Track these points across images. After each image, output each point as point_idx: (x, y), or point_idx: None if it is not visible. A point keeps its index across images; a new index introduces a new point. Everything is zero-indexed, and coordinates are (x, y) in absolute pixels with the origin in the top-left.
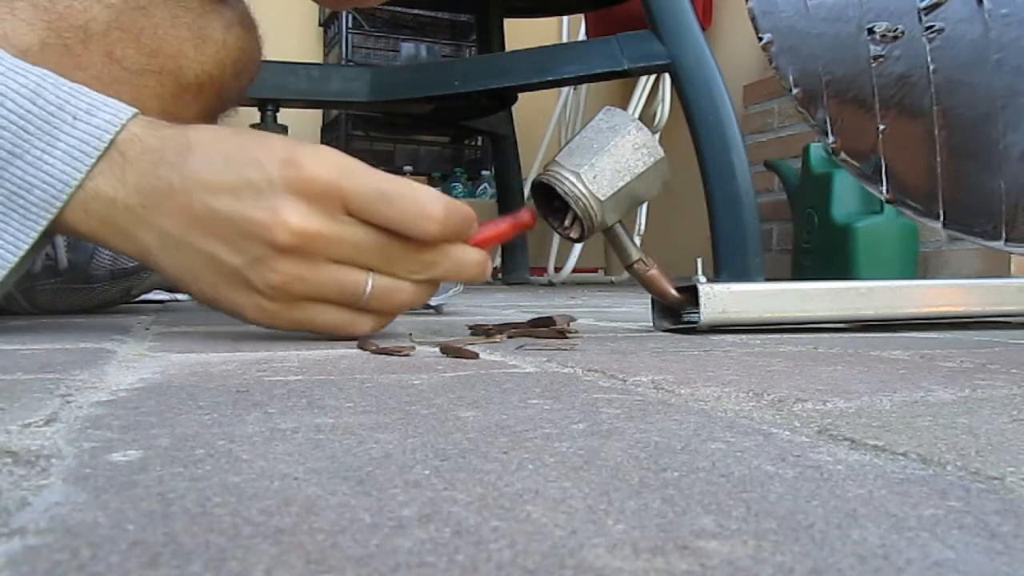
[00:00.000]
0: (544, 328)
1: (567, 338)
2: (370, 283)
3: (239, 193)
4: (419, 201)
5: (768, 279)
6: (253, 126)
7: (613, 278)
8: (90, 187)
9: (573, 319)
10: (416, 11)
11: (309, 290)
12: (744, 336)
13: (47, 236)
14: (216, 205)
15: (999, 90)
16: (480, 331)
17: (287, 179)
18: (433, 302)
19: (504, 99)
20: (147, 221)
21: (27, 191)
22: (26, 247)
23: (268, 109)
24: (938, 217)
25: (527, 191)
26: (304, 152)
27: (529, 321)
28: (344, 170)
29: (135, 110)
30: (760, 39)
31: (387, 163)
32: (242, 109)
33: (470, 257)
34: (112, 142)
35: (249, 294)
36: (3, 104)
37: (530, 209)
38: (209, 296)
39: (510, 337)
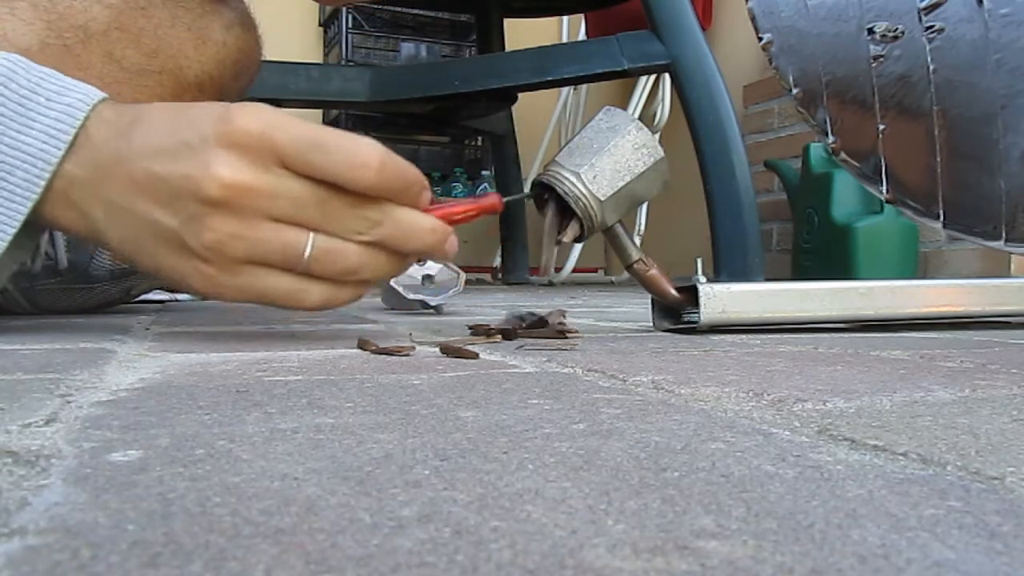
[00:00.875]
0: (545, 328)
1: (566, 337)
2: (310, 242)
3: (176, 154)
4: (353, 149)
5: (768, 279)
6: None
7: (613, 278)
8: (62, 168)
9: (563, 312)
10: (416, 11)
11: (247, 250)
12: (744, 336)
13: (32, 227)
14: (153, 167)
15: (999, 90)
16: (480, 331)
17: (219, 133)
18: (433, 302)
19: (504, 99)
20: (97, 194)
21: (9, 173)
22: (13, 231)
23: None
24: (938, 217)
25: (527, 191)
26: (237, 108)
27: (527, 323)
28: (277, 122)
29: (104, 94)
30: (760, 39)
31: None
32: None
33: (421, 222)
34: (83, 123)
35: (190, 259)
36: None
37: (498, 194)
38: (151, 266)
39: (507, 339)
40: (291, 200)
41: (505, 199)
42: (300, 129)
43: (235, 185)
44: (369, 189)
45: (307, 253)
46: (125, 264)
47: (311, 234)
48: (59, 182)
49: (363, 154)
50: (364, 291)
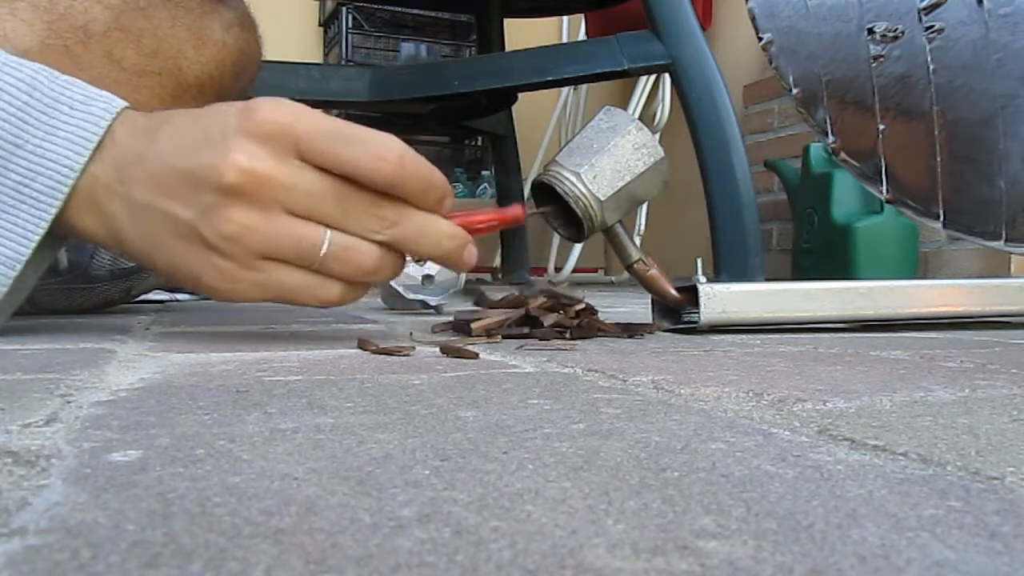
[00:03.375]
0: (545, 328)
1: (572, 308)
2: (327, 238)
3: (196, 146)
4: (374, 142)
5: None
6: None
7: (613, 278)
8: (87, 171)
9: (575, 299)
10: (416, 11)
11: (263, 243)
12: (744, 336)
13: (54, 235)
14: (173, 161)
15: (999, 91)
16: (461, 323)
17: (240, 123)
18: (433, 302)
19: (504, 99)
20: (119, 193)
21: (32, 180)
22: (37, 238)
23: None
24: (938, 217)
25: (527, 191)
26: (260, 100)
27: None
28: (298, 113)
29: (126, 103)
30: (760, 39)
31: None
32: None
33: (439, 226)
34: (109, 128)
35: (206, 254)
36: (1, 97)
37: (522, 205)
38: (168, 265)
39: (507, 337)
40: (309, 193)
41: (529, 213)
42: (321, 120)
43: (253, 172)
44: (388, 183)
45: (324, 250)
46: (126, 264)
47: (328, 230)
48: (84, 187)
49: (383, 147)
50: (368, 289)
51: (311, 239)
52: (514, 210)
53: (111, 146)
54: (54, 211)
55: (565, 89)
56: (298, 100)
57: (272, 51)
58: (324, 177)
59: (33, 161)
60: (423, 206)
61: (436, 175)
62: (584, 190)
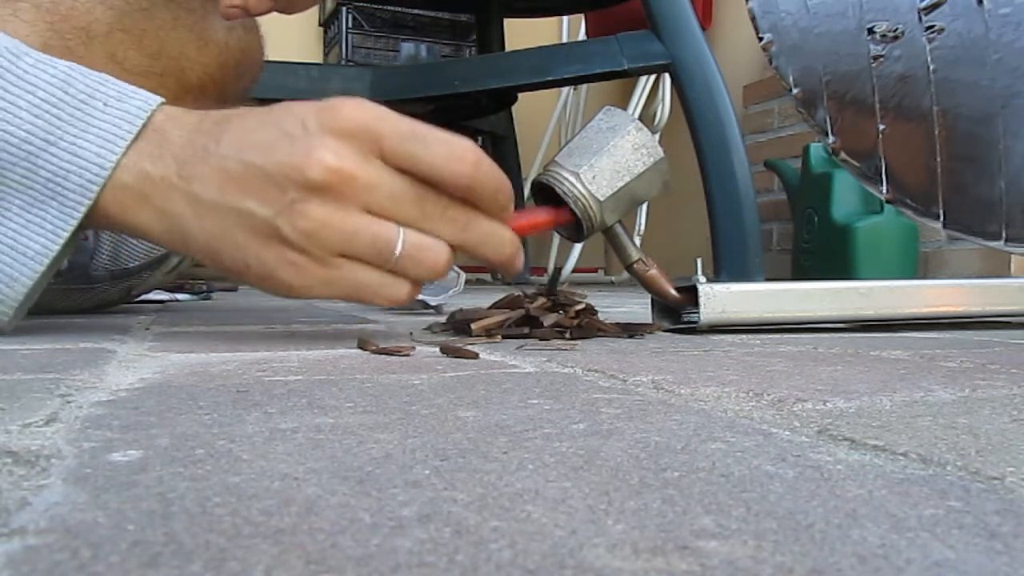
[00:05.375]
0: (545, 328)
1: (573, 308)
2: (402, 237)
3: (275, 144)
4: (452, 143)
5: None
6: None
7: (613, 278)
8: (127, 165)
9: (578, 301)
10: (416, 11)
11: (342, 240)
12: (744, 336)
13: (81, 228)
14: (251, 159)
15: (999, 90)
16: (461, 323)
17: (322, 122)
18: (433, 302)
19: (504, 99)
20: (182, 189)
21: (63, 178)
22: (66, 235)
23: None
24: (938, 217)
25: (527, 191)
26: (340, 100)
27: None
28: (380, 113)
29: (162, 99)
30: (760, 39)
31: None
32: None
33: (504, 234)
34: (147, 123)
35: (280, 249)
36: (35, 93)
37: (552, 208)
38: (239, 262)
39: (507, 337)
40: (389, 194)
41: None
42: (401, 121)
43: (339, 171)
44: (463, 185)
45: (399, 249)
46: (126, 264)
47: (403, 230)
48: (133, 183)
49: (461, 149)
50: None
51: (387, 238)
52: (563, 213)
53: (163, 142)
54: (84, 208)
55: (565, 89)
56: (298, 100)
57: (272, 51)
58: (404, 178)
59: (64, 159)
60: (490, 211)
61: (506, 181)
62: (583, 190)
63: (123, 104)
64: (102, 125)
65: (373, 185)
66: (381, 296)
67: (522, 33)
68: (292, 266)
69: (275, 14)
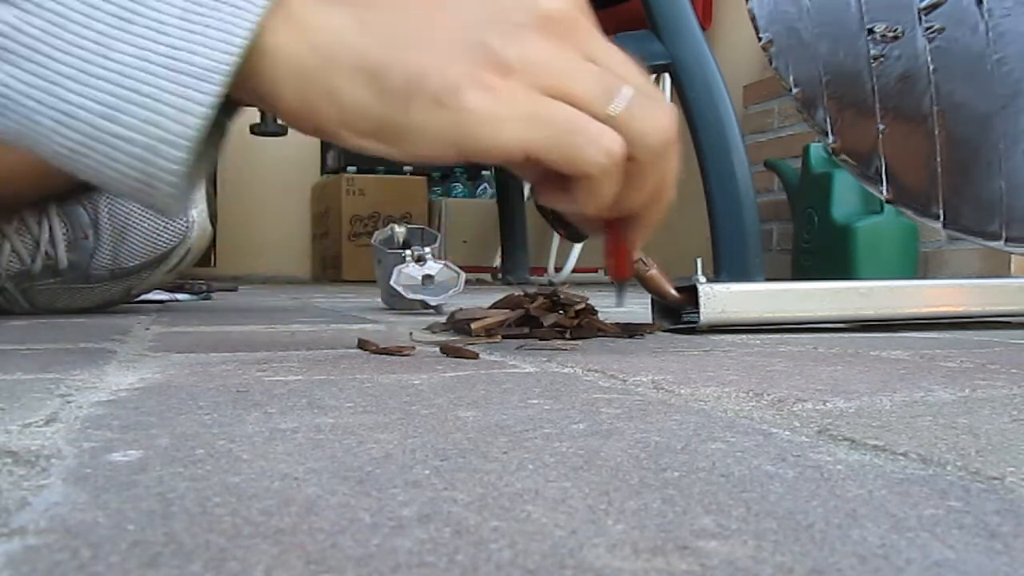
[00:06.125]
0: (545, 328)
1: (572, 309)
2: (626, 93)
3: None
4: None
5: (768, 279)
6: (253, 127)
7: None
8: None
9: (577, 300)
10: None
11: (560, 75)
12: (744, 336)
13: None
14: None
15: (999, 90)
16: (461, 323)
17: None
18: (433, 302)
19: None
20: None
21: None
22: (252, 25)
23: None
24: (938, 217)
25: (527, 191)
26: None
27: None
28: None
29: None
30: (760, 39)
31: (387, 162)
32: (242, 109)
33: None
34: None
35: (483, 70)
36: None
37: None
38: (420, 67)
39: (507, 337)
40: (609, 49)
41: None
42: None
43: (570, 11)
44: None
45: (620, 99)
46: (126, 264)
47: (629, 87)
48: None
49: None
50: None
51: (610, 82)
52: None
53: None
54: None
55: None
56: None
57: None
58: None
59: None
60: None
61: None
62: None
63: None
64: None
65: (596, 34)
66: (596, 145)
67: None
68: (488, 91)
69: None
